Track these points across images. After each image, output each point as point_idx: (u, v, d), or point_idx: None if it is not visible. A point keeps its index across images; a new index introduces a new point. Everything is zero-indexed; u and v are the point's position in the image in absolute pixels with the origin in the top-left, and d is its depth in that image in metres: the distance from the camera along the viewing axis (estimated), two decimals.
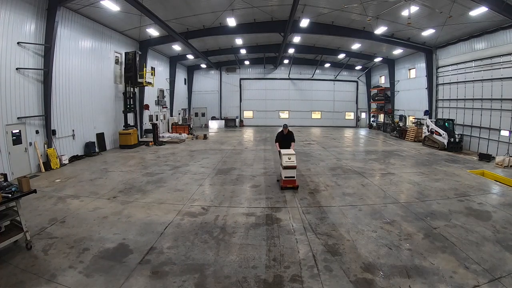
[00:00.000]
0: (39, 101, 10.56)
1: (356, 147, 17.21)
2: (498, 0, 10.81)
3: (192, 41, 18.63)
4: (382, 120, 27.71)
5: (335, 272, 4.19)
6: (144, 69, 17.34)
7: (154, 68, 21.37)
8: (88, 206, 6.85)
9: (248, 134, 23.95)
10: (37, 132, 10.56)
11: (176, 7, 14.24)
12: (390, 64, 25.22)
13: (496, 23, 13.16)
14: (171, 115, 25.38)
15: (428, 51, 18.85)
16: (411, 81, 22.84)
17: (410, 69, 23.03)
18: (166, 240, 5.20)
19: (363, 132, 26.60)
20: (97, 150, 14.04)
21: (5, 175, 8.61)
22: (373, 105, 30.10)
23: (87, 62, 13.59)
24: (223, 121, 30.17)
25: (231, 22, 15.54)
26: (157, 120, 21.70)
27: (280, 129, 9.23)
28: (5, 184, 4.82)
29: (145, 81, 17.25)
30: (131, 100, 16.51)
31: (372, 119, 30.76)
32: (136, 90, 17.15)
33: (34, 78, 10.32)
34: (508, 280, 3.99)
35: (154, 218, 6.16)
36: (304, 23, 15.33)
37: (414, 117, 21.66)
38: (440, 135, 16.25)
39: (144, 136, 18.90)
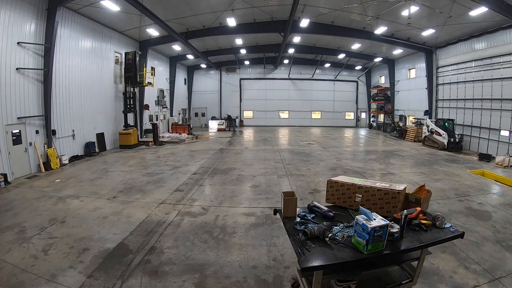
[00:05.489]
0: (39, 101, 10.56)
1: (356, 147, 17.21)
2: (498, 0, 10.81)
3: (192, 41, 18.63)
4: (382, 120, 27.72)
5: None
6: (144, 69, 17.34)
7: (154, 68, 21.37)
8: (88, 206, 6.85)
9: (248, 134, 23.95)
10: (37, 132, 10.55)
11: (176, 7, 14.24)
12: (390, 64, 25.23)
13: (496, 23, 13.16)
14: (171, 115, 25.39)
15: (428, 51, 18.85)
16: (411, 81, 22.84)
17: (410, 69, 23.03)
18: (166, 240, 5.20)
19: (363, 132, 26.61)
20: (97, 150, 14.03)
21: (5, 175, 8.70)
22: (373, 105, 30.10)
23: (87, 62, 13.58)
24: (223, 121, 30.12)
25: (231, 22, 15.55)
26: (157, 120, 21.70)
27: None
28: None
29: (145, 81, 17.25)
30: (131, 100, 16.51)
31: (372, 119, 30.75)
32: (136, 90, 17.15)
33: (34, 78, 10.31)
34: (508, 280, 3.99)
35: (154, 218, 6.17)
36: (304, 23, 15.33)
37: (414, 117, 21.67)
38: (440, 135, 16.26)
39: (144, 136, 18.90)
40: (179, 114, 27.82)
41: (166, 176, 9.80)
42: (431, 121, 17.70)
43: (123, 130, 16.01)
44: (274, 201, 7.31)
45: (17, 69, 9.53)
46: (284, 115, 31.63)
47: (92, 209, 6.69)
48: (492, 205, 7.02)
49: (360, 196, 3.37)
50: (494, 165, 12.22)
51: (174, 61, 25.07)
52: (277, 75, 30.85)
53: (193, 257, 4.63)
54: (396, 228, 2.66)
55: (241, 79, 31.01)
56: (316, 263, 2.38)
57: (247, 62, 29.35)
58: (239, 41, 21.24)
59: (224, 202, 7.28)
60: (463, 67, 16.33)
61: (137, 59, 16.20)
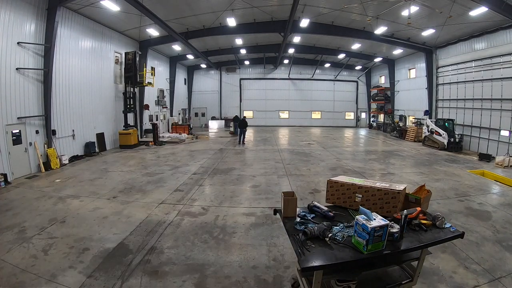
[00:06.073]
0: (39, 101, 10.56)
1: (356, 147, 17.21)
2: (498, 0, 10.82)
3: (192, 41, 18.63)
4: (382, 120, 27.72)
5: None
6: (144, 69, 17.34)
7: (154, 68, 21.37)
8: (88, 206, 6.85)
9: (248, 134, 23.88)
10: (37, 132, 10.56)
11: (176, 7, 14.25)
12: (390, 64, 25.23)
13: (496, 23, 13.16)
14: (171, 115, 25.39)
15: (428, 51, 18.86)
16: (411, 81, 22.85)
17: (410, 69, 23.04)
18: (166, 240, 5.20)
19: (363, 132, 26.61)
20: (97, 150, 14.03)
21: (5, 175, 8.70)
22: (373, 105, 30.11)
23: (87, 62, 13.59)
24: (223, 121, 30.16)
25: (231, 22, 15.56)
26: (157, 120, 21.71)
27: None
28: None
29: (145, 81, 17.26)
30: (131, 100, 16.51)
31: (372, 119, 30.76)
32: (136, 90, 17.15)
33: (34, 78, 10.32)
34: (508, 280, 3.99)
35: (154, 218, 6.17)
36: (304, 23, 15.33)
37: (414, 117, 21.67)
38: (440, 135, 16.26)
39: (144, 136, 18.90)
40: (179, 114, 27.82)
41: (166, 176, 9.80)
42: (431, 121, 17.70)
43: (123, 130, 16.01)
44: (274, 201, 7.31)
45: (17, 69, 9.53)
46: (284, 115, 31.63)
47: (92, 209, 6.69)
48: (492, 205, 7.02)
49: (360, 196, 3.37)
50: (494, 165, 12.22)
51: (174, 61, 25.07)
52: (277, 75, 30.85)
53: (193, 257, 4.63)
54: (396, 228, 2.66)
55: (241, 79, 31.01)
56: (316, 263, 2.38)
57: (247, 62, 29.36)
58: (239, 41, 21.24)
59: (224, 202, 7.29)
60: (463, 67, 16.33)
61: (137, 59, 16.19)
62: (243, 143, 17.32)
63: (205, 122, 30.77)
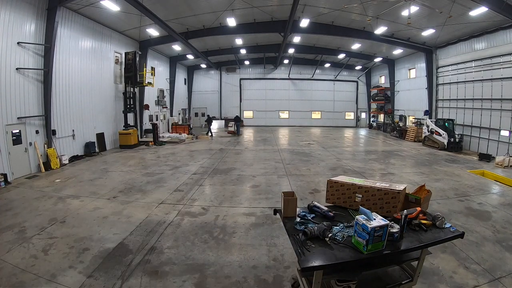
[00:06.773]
0: (39, 101, 10.56)
1: (356, 147, 17.21)
2: (498, 0, 10.82)
3: (192, 41, 18.63)
4: (382, 120, 27.73)
5: None
6: (144, 69, 17.34)
7: (154, 68, 21.37)
8: (88, 206, 6.85)
9: (248, 134, 23.94)
10: (37, 132, 10.56)
11: (176, 7, 14.24)
12: (390, 64, 25.23)
13: (496, 23, 13.16)
14: (171, 115, 25.39)
15: (428, 51, 18.86)
16: (411, 81, 22.85)
17: (410, 69, 23.04)
18: (166, 240, 5.20)
19: (363, 132, 26.61)
20: (97, 150, 14.03)
21: (5, 175, 8.71)
22: (373, 105, 30.11)
23: (87, 62, 13.59)
24: (223, 121, 30.14)
25: (231, 22, 15.56)
26: (157, 120, 21.70)
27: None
28: None
29: (145, 81, 17.26)
30: (131, 100, 16.51)
31: (372, 119, 30.76)
32: (136, 90, 17.16)
33: (34, 78, 10.32)
34: (508, 280, 3.99)
35: (154, 218, 6.17)
36: (304, 23, 15.33)
37: (414, 117, 21.68)
38: (440, 135, 16.26)
39: (144, 136, 18.90)
40: (179, 114, 27.81)
41: (166, 176, 9.81)
42: (431, 121, 17.70)
43: (123, 130, 16.01)
44: (274, 201, 7.31)
45: (17, 69, 9.53)
46: (284, 115, 31.63)
47: (92, 209, 6.69)
48: (492, 205, 7.03)
49: (360, 196, 3.37)
50: (494, 165, 12.22)
51: (174, 61, 25.06)
52: (277, 75, 30.85)
53: (193, 257, 4.63)
54: (396, 228, 2.65)
55: (241, 79, 31.01)
56: (316, 263, 2.38)
57: (247, 62, 29.35)
58: (239, 41, 21.24)
59: (224, 202, 7.29)
60: (463, 67, 16.33)
61: (137, 59, 16.19)
62: (238, 133, 22.62)
63: (205, 122, 30.68)
